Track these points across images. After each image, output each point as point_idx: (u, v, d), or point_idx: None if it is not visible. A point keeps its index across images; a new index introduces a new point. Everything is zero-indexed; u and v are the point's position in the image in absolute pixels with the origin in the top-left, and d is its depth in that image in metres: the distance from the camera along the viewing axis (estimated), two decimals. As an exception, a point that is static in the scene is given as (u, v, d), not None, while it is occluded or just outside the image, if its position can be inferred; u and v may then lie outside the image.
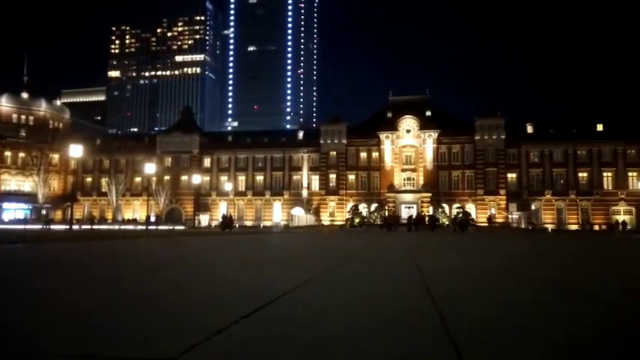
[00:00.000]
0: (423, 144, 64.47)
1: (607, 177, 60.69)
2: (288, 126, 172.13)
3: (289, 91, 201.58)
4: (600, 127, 61.34)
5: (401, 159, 64.88)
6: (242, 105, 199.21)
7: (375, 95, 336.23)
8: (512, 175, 62.58)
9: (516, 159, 62.83)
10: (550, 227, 57.77)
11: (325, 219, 63.87)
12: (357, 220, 56.04)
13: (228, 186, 63.29)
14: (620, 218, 59.46)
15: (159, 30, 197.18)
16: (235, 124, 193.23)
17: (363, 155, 66.44)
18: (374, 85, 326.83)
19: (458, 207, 59.06)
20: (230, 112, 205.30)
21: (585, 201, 60.53)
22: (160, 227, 41.76)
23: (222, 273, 4.59)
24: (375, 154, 65.93)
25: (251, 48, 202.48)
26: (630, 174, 59.71)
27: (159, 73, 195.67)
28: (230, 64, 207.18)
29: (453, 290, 3.37)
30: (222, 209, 66.37)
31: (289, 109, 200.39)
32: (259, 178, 69.53)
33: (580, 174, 61.14)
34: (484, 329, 2.11)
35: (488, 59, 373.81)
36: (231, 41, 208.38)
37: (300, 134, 71.97)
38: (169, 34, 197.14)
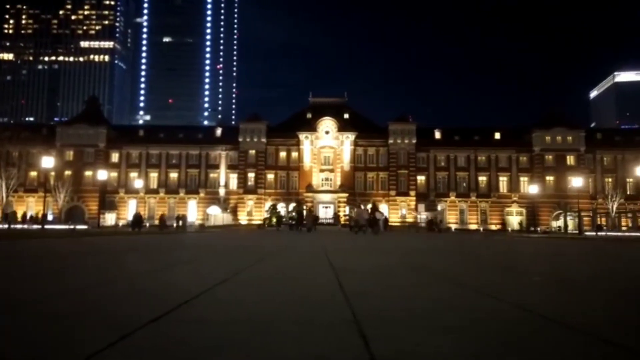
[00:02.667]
0: (341, 145, 66.14)
1: (503, 181, 67.00)
2: (205, 122, 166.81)
3: (206, 86, 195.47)
4: (497, 136, 67.53)
5: (320, 160, 65.95)
6: (155, 98, 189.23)
7: (296, 95, 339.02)
8: (421, 178, 66.50)
9: (425, 162, 66.91)
10: (453, 226, 62.30)
11: (243, 219, 62.91)
12: (274, 219, 55.91)
13: (138, 183, 59.74)
14: (513, 219, 66.03)
15: (61, 12, 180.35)
16: (148, 117, 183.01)
17: (282, 154, 66.49)
18: (295, 85, 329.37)
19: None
20: (142, 105, 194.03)
21: (484, 202, 66.26)
22: (59, 227, 38.17)
23: (124, 276, 4.23)
24: (294, 154, 66.31)
25: (166, 39, 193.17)
26: (522, 178, 66.46)
27: (61, 58, 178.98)
28: (143, 54, 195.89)
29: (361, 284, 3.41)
30: (131, 207, 62.63)
31: (206, 105, 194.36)
32: (173, 175, 66.62)
33: (480, 178, 66.77)
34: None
35: (403, 65, 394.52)
36: (144, 30, 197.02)
37: (219, 131, 70.14)
38: (73, 17, 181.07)
